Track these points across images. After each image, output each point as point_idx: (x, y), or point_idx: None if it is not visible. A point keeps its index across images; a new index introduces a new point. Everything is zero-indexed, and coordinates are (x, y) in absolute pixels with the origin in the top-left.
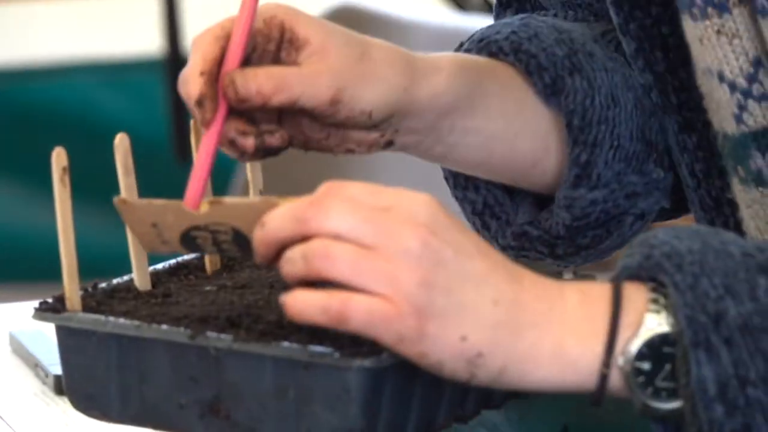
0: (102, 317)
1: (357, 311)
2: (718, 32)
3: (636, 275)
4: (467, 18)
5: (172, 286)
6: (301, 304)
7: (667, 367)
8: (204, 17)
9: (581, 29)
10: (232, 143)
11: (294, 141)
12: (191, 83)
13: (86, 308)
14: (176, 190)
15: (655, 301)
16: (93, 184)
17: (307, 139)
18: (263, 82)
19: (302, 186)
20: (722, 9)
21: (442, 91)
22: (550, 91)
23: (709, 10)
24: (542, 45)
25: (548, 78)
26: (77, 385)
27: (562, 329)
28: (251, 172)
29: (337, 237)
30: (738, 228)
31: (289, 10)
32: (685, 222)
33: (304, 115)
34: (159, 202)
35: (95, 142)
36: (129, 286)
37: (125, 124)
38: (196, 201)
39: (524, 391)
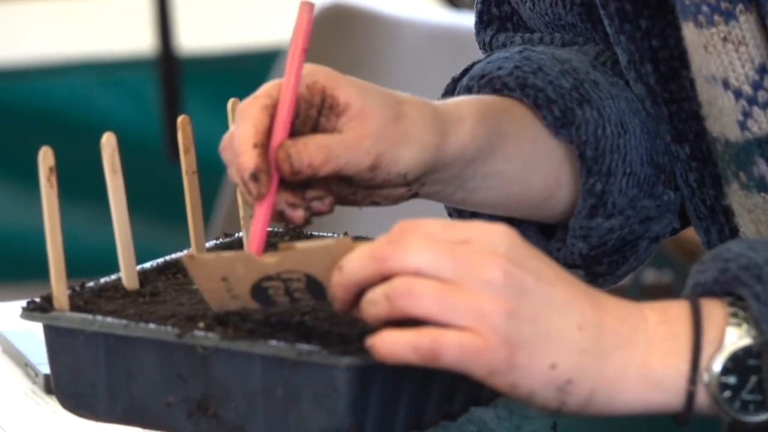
0: (90, 316)
1: (448, 347)
2: (725, 39)
3: (710, 291)
4: (460, 16)
5: (160, 284)
6: (391, 345)
7: (753, 379)
8: (195, 16)
9: (578, 57)
10: (280, 214)
11: None
12: (245, 156)
13: (74, 307)
14: (167, 188)
15: (734, 314)
16: (85, 183)
17: (335, 195)
18: (314, 154)
19: None
20: (729, 16)
21: (468, 142)
22: (560, 124)
23: (716, 17)
24: (548, 78)
25: (557, 111)
26: (65, 385)
27: (647, 350)
28: None
29: (417, 273)
30: (733, 235)
31: (330, 74)
32: None
33: (337, 178)
34: (228, 254)
35: (87, 141)
36: (117, 285)
37: (117, 122)
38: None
39: (613, 416)
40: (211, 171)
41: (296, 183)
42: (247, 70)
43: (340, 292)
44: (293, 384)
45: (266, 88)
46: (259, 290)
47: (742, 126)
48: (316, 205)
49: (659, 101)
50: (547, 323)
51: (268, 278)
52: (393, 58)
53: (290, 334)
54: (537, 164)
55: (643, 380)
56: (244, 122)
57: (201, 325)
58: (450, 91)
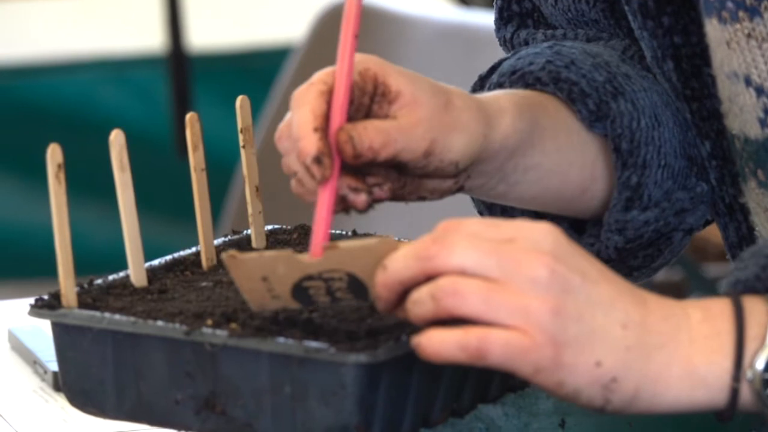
0: (98, 313)
1: (495, 346)
2: (749, 36)
3: (751, 287)
4: (470, 13)
5: (168, 281)
6: (438, 345)
7: None
8: (205, 14)
9: (608, 51)
10: (342, 199)
11: None
12: (306, 140)
13: (82, 304)
14: (177, 186)
15: None
16: (94, 181)
17: None
18: (373, 137)
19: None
20: (754, 12)
21: (510, 133)
22: (595, 117)
23: (741, 13)
24: (581, 71)
25: (592, 104)
26: (73, 382)
27: (690, 348)
28: (247, 168)
29: (462, 273)
30: (750, 234)
31: (380, 62)
32: None
33: (389, 167)
34: (269, 253)
35: (97, 138)
36: (125, 282)
37: (126, 120)
38: (319, 250)
39: (656, 414)
40: (220, 168)
41: (354, 170)
42: (256, 68)
43: (383, 291)
44: (301, 381)
45: (320, 75)
46: (299, 290)
47: (763, 123)
48: (377, 191)
49: (681, 99)
50: (591, 321)
51: (309, 278)
52: (403, 55)
53: (298, 332)
54: (573, 158)
55: (686, 378)
56: (302, 108)
57: (209, 322)
58: (477, 88)
